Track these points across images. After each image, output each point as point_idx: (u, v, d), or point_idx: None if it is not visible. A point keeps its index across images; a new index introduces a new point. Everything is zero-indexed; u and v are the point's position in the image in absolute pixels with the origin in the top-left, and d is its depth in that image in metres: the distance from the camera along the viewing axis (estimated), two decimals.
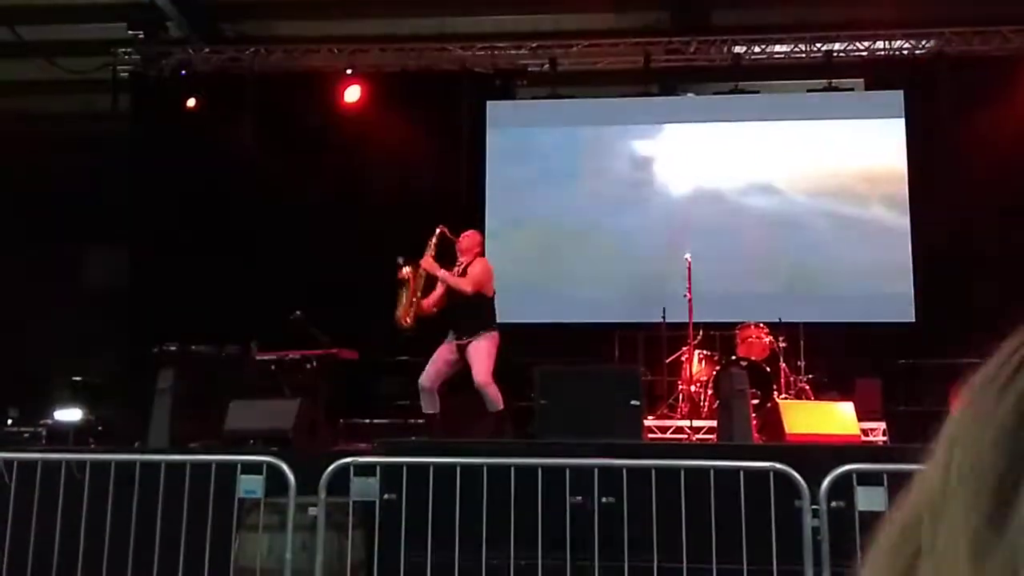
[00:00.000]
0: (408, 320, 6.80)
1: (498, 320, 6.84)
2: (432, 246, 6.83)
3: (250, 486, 4.39)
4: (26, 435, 7.70)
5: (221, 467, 4.56)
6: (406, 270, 6.79)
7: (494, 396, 6.46)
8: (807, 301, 9.10)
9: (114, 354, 10.01)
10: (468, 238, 7.00)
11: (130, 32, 10.03)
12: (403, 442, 5.80)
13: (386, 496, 4.51)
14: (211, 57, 10.35)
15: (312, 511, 4.34)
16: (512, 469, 4.49)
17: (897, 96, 9.70)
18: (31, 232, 10.78)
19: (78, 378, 9.45)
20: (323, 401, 7.71)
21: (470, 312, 6.65)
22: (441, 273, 6.75)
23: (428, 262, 6.76)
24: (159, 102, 10.34)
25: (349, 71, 10.07)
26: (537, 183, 10.00)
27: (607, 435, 5.17)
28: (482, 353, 6.51)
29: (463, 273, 6.77)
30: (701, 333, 8.29)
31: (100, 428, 7.92)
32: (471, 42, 10.08)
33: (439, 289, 6.83)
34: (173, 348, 8.27)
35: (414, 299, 6.80)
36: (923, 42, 9.78)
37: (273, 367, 8.22)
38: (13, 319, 10.52)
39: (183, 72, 10.33)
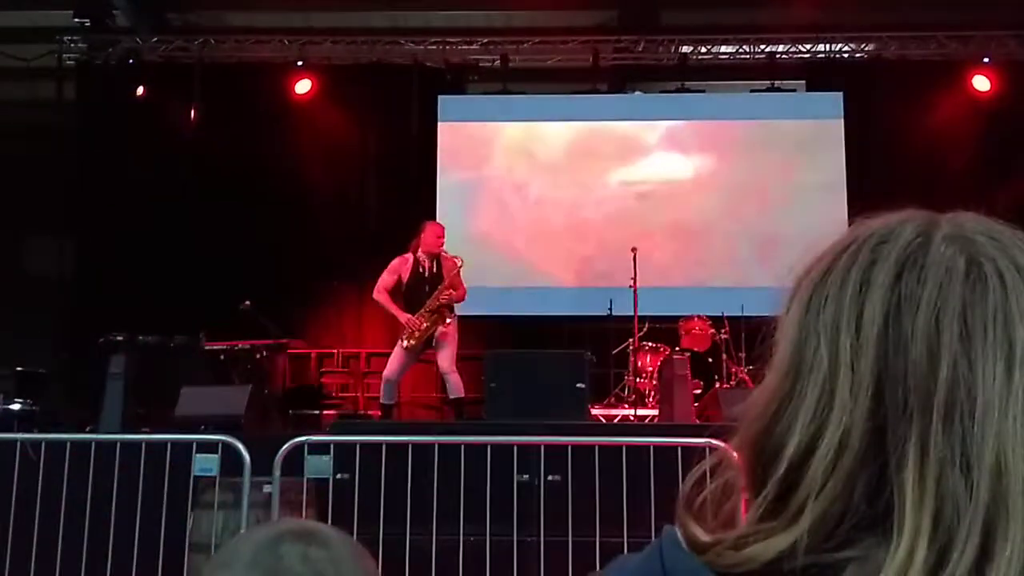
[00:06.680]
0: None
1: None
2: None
3: (205, 464, 4.47)
4: None
5: (176, 447, 4.64)
6: (411, 343, 6.74)
7: (457, 383, 6.69)
8: (750, 295, 9.35)
9: (58, 345, 9.91)
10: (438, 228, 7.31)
11: (76, 20, 9.91)
12: (357, 422, 5.90)
13: (339, 476, 4.61)
14: (159, 46, 10.28)
15: (267, 488, 4.42)
16: (462, 448, 4.62)
17: (837, 98, 10.02)
18: None
19: (20, 368, 9.33)
20: (273, 390, 7.76)
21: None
22: (434, 320, 6.74)
23: (407, 318, 6.73)
24: (105, 91, 10.25)
25: (300, 63, 10.09)
26: (488, 178, 10.12)
27: (554, 416, 5.34)
28: (448, 341, 6.72)
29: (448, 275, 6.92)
30: (647, 326, 8.50)
31: (45, 417, 7.85)
32: (423, 36, 10.17)
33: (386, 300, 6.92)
34: (120, 338, 8.23)
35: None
36: (862, 45, 10.14)
37: (222, 356, 8.23)
38: None
39: (131, 61, 10.25)
